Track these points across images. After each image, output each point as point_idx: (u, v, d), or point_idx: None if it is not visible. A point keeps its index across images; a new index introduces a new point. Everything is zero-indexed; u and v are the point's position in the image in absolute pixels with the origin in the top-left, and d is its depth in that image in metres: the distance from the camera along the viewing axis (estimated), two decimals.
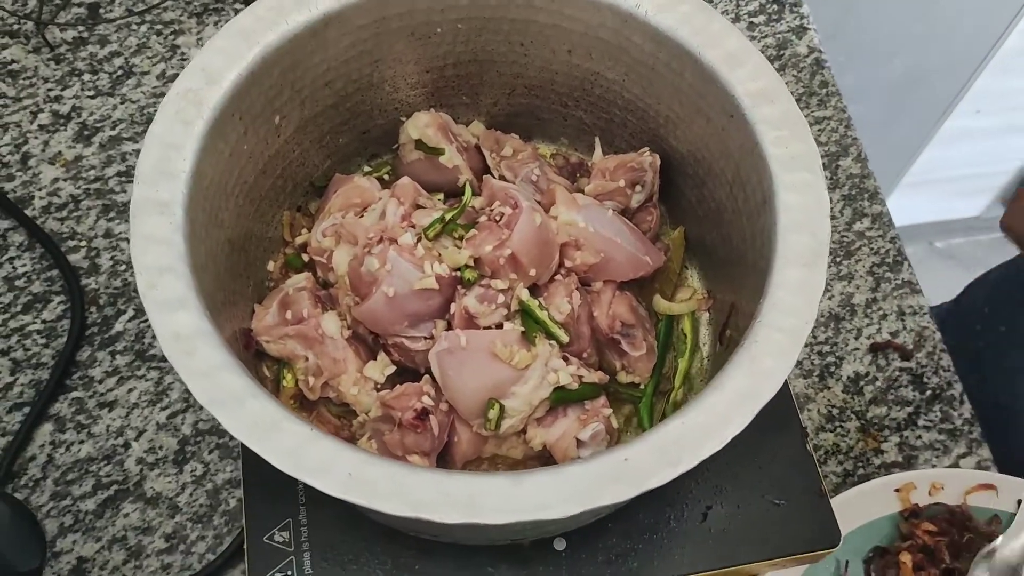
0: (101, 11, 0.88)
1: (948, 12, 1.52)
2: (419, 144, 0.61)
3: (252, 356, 0.58)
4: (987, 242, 2.29)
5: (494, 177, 0.61)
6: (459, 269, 0.54)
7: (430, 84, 0.61)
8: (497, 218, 0.55)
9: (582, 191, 0.61)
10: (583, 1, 0.55)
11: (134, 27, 0.87)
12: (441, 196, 0.62)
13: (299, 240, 0.63)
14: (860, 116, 1.76)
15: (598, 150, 0.61)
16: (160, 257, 0.48)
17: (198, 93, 0.51)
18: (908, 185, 2.03)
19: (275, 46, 0.53)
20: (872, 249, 0.79)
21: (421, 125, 0.61)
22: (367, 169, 0.66)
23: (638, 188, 0.58)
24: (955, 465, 0.70)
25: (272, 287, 0.61)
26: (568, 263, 0.57)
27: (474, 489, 0.43)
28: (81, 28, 0.87)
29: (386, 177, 0.66)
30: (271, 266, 0.63)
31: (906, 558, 0.64)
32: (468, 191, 0.57)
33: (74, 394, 0.70)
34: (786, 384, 0.66)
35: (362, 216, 0.60)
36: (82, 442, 0.68)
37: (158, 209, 0.49)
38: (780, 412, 0.65)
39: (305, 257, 0.62)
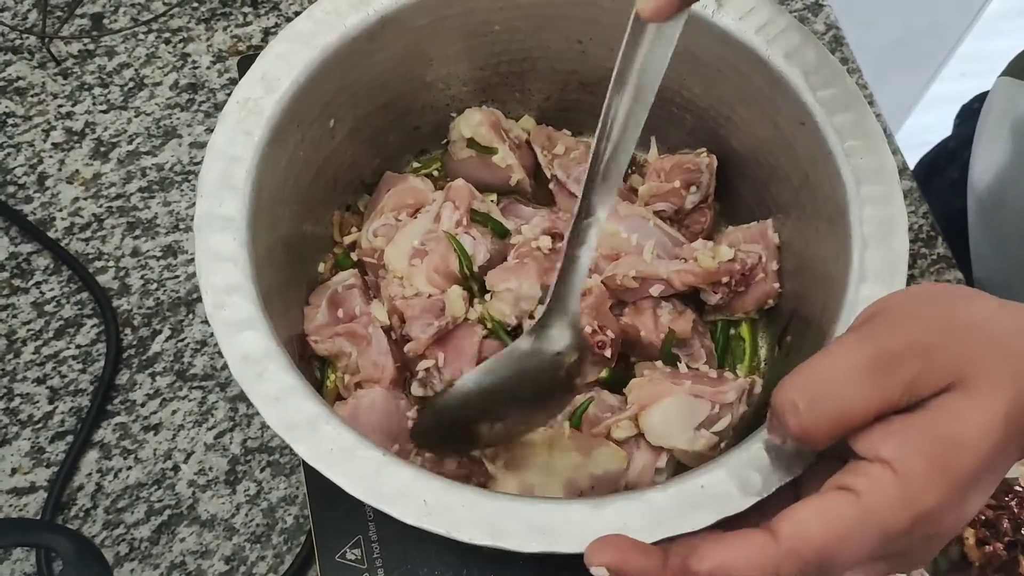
0: (105, 21, 0.86)
1: None
2: (471, 142, 0.60)
3: (306, 362, 0.57)
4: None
5: (547, 176, 0.60)
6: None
7: (482, 80, 0.61)
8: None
9: (635, 190, 0.60)
10: None
11: (141, 37, 0.85)
12: (494, 196, 0.61)
13: (348, 239, 0.62)
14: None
15: (653, 149, 0.60)
16: (227, 276, 0.47)
17: (258, 102, 0.50)
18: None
19: (333, 49, 0.52)
20: (912, 230, 0.79)
21: (474, 123, 0.60)
22: (416, 165, 0.65)
23: (693, 189, 0.58)
24: None
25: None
26: (605, 279, 0.56)
27: (554, 517, 0.42)
28: (86, 40, 0.85)
29: (435, 174, 0.65)
30: (321, 267, 0.62)
31: (969, 534, 0.64)
32: None
33: (117, 419, 0.68)
34: None
35: (415, 216, 0.59)
36: (130, 468, 0.67)
37: (222, 225, 0.48)
38: None
39: (354, 256, 0.61)
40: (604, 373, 0.57)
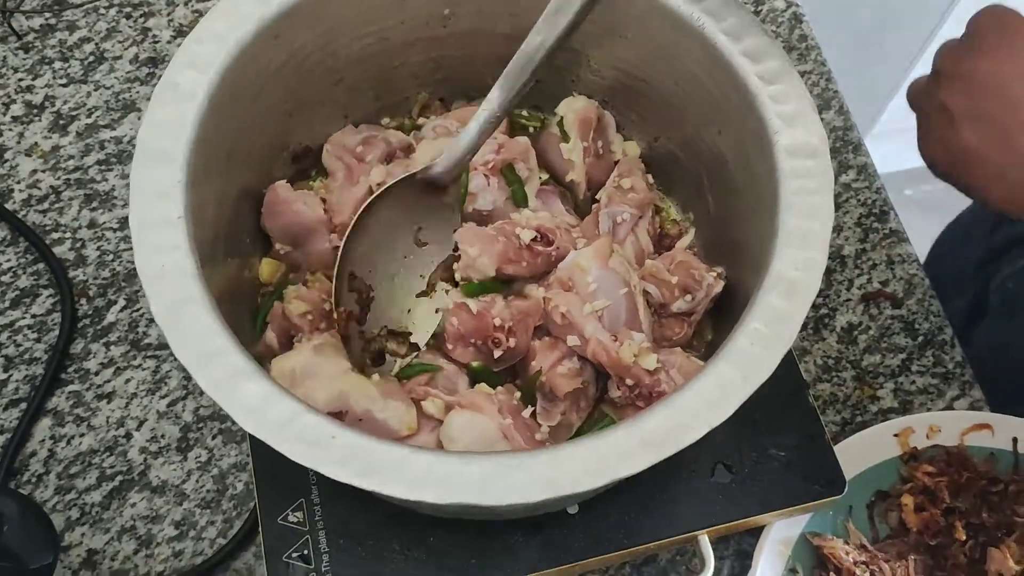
0: None
1: None
2: (559, 122, 0.64)
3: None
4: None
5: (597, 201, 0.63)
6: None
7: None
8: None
9: (660, 241, 0.64)
10: None
11: (102, 11, 0.86)
12: (546, 176, 0.65)
13: None
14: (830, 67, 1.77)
15: (689, 237, 0.62)
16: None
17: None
18: (878, 135, 2.04)
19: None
20: (859, 200, 0.80)
21: (571, 108, 0.63)
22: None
23: (687, 297, 0.58)
24: (949, 407, 0.72)
25: None
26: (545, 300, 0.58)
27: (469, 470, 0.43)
28: (48, 15, 0.85)
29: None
30: None
31: (907, 500, 0.65)
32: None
33: (71, 387, 0.69)
34: None
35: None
36: (83, 435, 0.67)
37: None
38: (781, 366, 0.66)
39: None
40: (476, 364, 0.57)
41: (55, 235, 0.75)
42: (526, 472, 0.42)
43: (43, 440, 0.67)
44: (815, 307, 0.75)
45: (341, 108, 0.66)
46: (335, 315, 0.57)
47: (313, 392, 0.52)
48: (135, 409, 0.68)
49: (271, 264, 0.63)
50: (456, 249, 0.59)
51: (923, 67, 1.81)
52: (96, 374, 0.70)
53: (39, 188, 0.77)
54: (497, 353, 0.57)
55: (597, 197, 0.63)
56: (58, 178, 0.77)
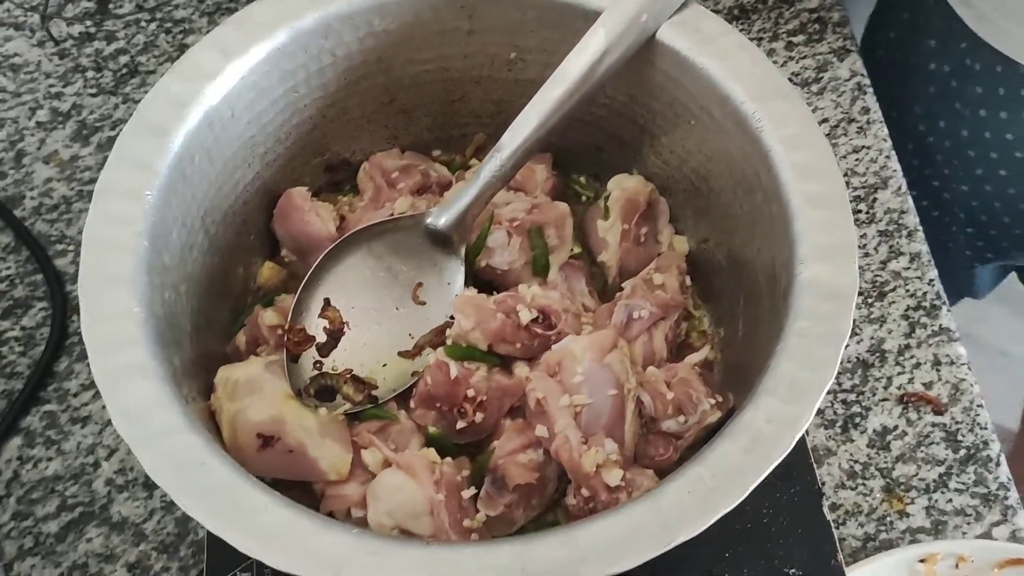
0: (111, 6, 0.85)
1: None
2: (590, 196, 0.63)
3: None
4: None
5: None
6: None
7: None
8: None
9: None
10: None
11: (143, 24, 0.84)
12: (578, 249, 0.61)
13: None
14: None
15: (701, 354, 0.56)
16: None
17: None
18: None
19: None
20: (908, 291, 0.74)
21: (627, 185, 0.59)
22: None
23: (680, 417, 0.52)
24: (987, 534, 0.64)
25: None
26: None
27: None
28: (89, 23, 0.84)
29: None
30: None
31: None
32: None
33: (47, 407, 0.66)
34: (803, 439, 0.61)
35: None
36: (51, 459, 0.64)
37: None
38: (795, 469, 0.60)
39: None
40: (433, 430, 0.53)
41: (59, 246, 0.73)
42: (384, 564, 0.37)
43: (10, 460, 0.64)
44: (846, 404, 0.69)
45: (390, 129, 0.63)
46: (286, 331, 0.53)
47: (249, 409, 0.49)
48: (108, 437, 0.65)
49: (272, 268, 0.60)
50: (452, 316, 0.55)
51: None
52: (75, 395, 0.67)
53: (51, 197, 0.75)
54: (460, 424, 0.52)
55: (623, 286, 0.58)
56: (71, 188, 0.75)
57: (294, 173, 0.59)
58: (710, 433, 0.53)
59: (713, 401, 0.52)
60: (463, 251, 0.56)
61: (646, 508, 0.38)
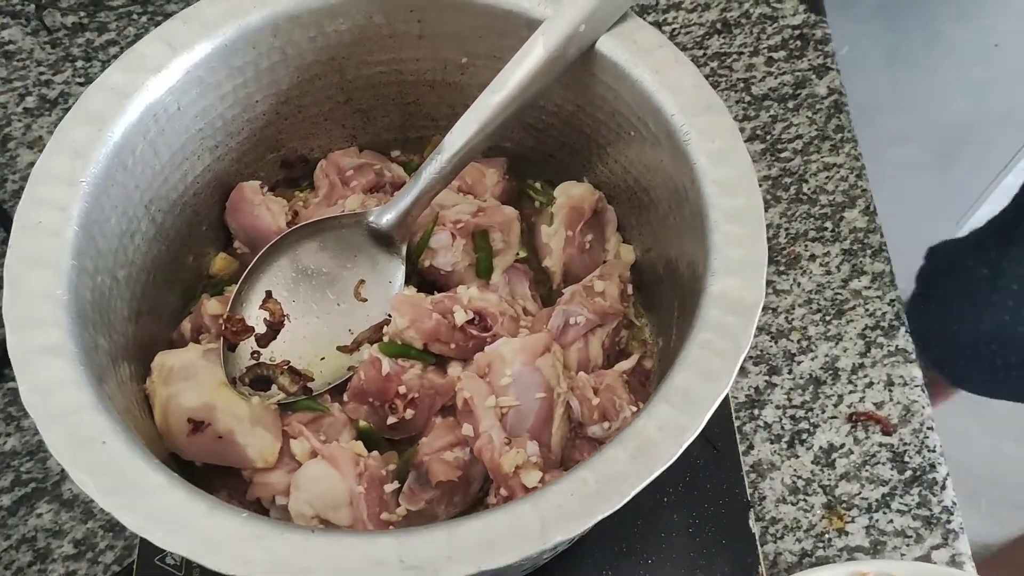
0: None
1: (1010, 63, 1.44)
2: (543, 202, 0.62)
3: None
4: None
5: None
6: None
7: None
8: None
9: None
10: None
11: (135, 17, 0.86)
12: (524, 253, 0.61)
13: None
14: (912, 158, 1.68)
15: (629, 362, 0.57)
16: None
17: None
18: None
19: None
20: (867, 310, 0.74)
21: (572, 192, 0.60)
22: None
23: (604, 424, 0.53)
24: (926, 556, 0.64)
25: None
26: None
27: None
28: (82, 14, 0.86)
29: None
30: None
31: None
32: None
33: (10, 384, 0.68)
34: (736, 449, 0.61)
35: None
36: (10, 435, 0.66)
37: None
38: (726, 481, 0.60)
39: None
40: (363, 424, 0.54)
41: None
42: (266, 547, 0.38)
43: None
44: (794, 420, 0.69)
45: (348, 128, 0.64)
46: (224, 320, 0.54)
47: (182, 394, 0.51)
48: None
49: (225, 259, 0.62)
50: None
51: (1018, 175, 1.72)
52: None
53: None
54: (390, 420, 0.53)
55: (564, 291, 0.59)
56: None
57: (249, 168, 0.61)
58: None
59: (635, 408, 0.52)
60: (404, 250, 0.57)
61: (528, 507, 0.39)
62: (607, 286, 0.58)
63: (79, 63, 0.84)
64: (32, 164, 0.77)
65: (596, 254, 0.61)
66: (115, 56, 0.84)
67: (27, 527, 0.63)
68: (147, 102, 0.50)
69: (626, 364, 0.56)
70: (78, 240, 0.46)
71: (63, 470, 0.65)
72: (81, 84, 0.82)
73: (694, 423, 0.40)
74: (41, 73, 0.83)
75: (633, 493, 0.39)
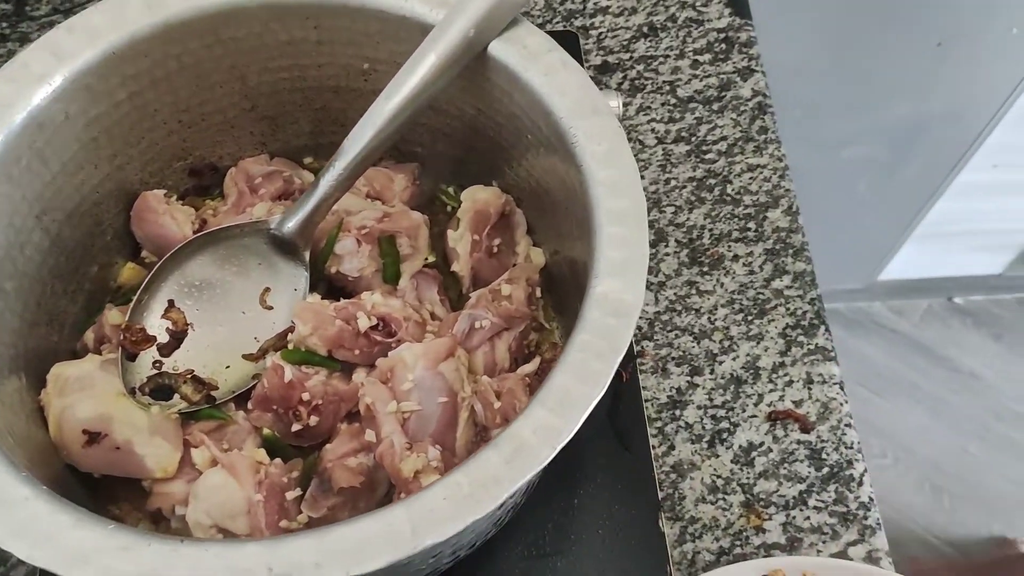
0: (27, 8, 0.87)
1: (952, 61, 1.45)
2: (455, 206, 0.61)
3: None
4: (1009, 302, 2.20)
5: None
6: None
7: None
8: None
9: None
10: None
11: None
12: (431, 259, 0.61)
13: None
14: (863, 159, 1.70)
15: (531, 366, 0.57)
16: None
17: None
18: (924, 236, 1.95)
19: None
20: (788, 309, 0.74)
21: (472, 197, 0.60)
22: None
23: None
24: (843, 552, 0.65)
25: None
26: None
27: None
28: (3, 24, 0.86)
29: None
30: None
31: None
32: None
33: None
34: (648, 448, 0.61)
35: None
36: None
37: None
38: (638, 483, 0.60)
39: None
40: (267, 432, 0.54)
41: None
42: (129, 560, 0.37)
43: None
44: (715, 419, 0.69)
45: (256, 136, 0.64)
46: (123, 330, 0.54)
47: (77, 405, 0.51)
48: None
49: (133, 269, 0.62)
50: None
51: (970, 173, 1.74)
52: None
53: None
54: (295, 427, 0.53)
55: (471, 295, 0.59)
56: None
57: (155, 176, 0.60)
58: None
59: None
60: (307, 257, 0.57)
61: (400, 511, 0.39)
62: (514, 290, 0.58)
63: None
64: None
65: (505, 258, 0.61)
66: None
67: None
68: (30, 112, 0.50)
69: (528, 367, 0.56)
70: None
71: None
72: None
73: (568, 425, 0.40)
74: None
75: (505, 496, 0.39)
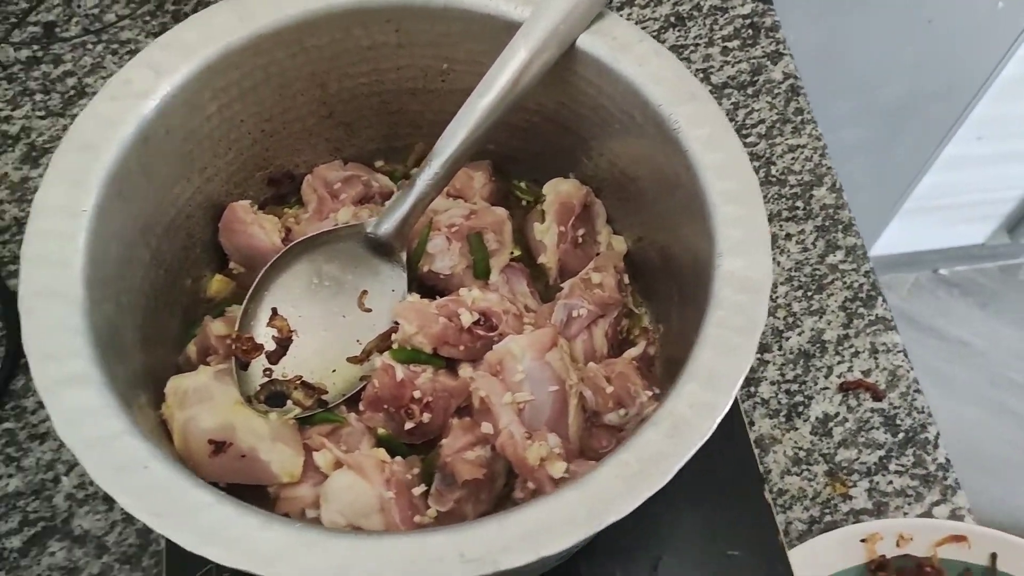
0: (57, 30, 0.86)
1: (943, 37, 1.49)
2: (529, 201, 0.63)
3: None
4: (992, 271, 2.25)
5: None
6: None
7: None
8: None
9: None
10: None
11: (89, 47, 0.85)
12: (517, 252, 0.62)
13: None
14: (858, 141, 1.73)
15: (637, 349, 0.58)
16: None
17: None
18: (910, 211, 2.00)
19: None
20: (845, 283, 0.76)
21: (556, 189, 0.60)
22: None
23: (620, 411, 0.54)
24: (928, 513, 0.67)
25: None
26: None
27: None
28: (36, 47, 0.85)
29: None
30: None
31: None
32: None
33: (5, 425, 0.67)
34: (743, 426, 0.63)
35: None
36: (11, 476, 0.65)
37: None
38: (737, 455, 0.62)
39: None
40: (382, 431, 0.54)
41: (12, 267, 0.74)
42: (321, 555, 0.38)
43: None
44: (789, 394, 0.71)
45: (332, 142, 0.64)
46: (233, 340, 0.54)
47: (199, 416, 0.51)
48: (66, 453, 0.66)
49: (221, 281, 0.62)
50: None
51: (955, 146, 1.78)
52: (32, 413, 0.68)
53: (2, 219, 0.76)
54: (408, 425, 0.53)
55: (563, 285, 0.60)
56: (23, 210, 0.76)
57: (238, 187, 0.61)
58: None
59: (650, 393, 0.54)
60: (404, 258, 0.57)
61: (575, 494, 0.40)
62: (604, 277, 0.59)
63: (38, 96, 0.82)
64: (0, 202, 0.76)
65: (589, 247, 0.62)
66: (74, 87, 0.83)
67: (40, 567, 0.62)
68: (137, 127, 0.50)
69: (634, 351, 0.57)
70: (85, 270, 0.45)
71: (71, 506, 0.64)
72: (42, 117, 0.81)
73: (723, 399, 0.42)
74: None
75: (675, 470, 0.40)
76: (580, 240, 0.62)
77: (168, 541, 0.54)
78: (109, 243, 0.48)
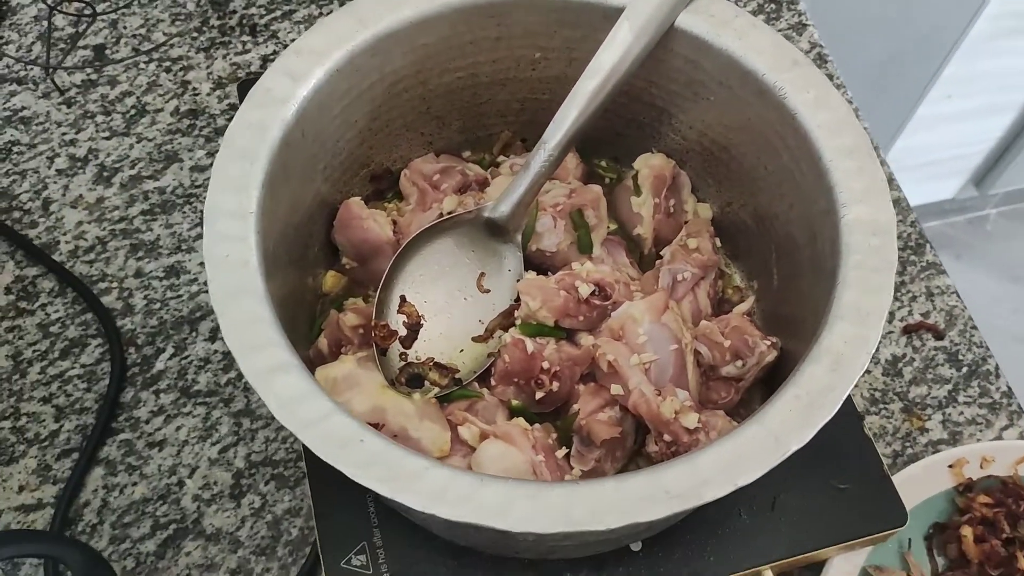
0: (107, 52, 0.88)
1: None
2: (634, 176, 0.65)
3: None
4: (961, 223, 2.34)
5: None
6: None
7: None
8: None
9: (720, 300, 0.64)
10: None
11: (142, 66, 0.87)
12: (614, 227, 0.66)
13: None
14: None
15: (748, 303, 0.62)
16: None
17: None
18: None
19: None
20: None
21: (647, 163, 0.64)
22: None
23: (738, 362, 0.58)
24: (999, 437, 0.72)
25: None
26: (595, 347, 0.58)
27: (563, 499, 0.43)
28: (89, 70, 0.87)
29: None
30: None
31: (967, 531, 0.65)
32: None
33: (122, 436, 0.69)
34: None
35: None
36: (135, 484, 0.67)
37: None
38: None
39: None
40: (515, 402, 0.58)
41: (102, 285, 0.75)
42: (542, 503, 0.42)
43: (96, 490, 0.67)
44: None
45: (426, 136, 0.67)
46: (372, 327, 0.57)
47: (353, 401, 0.54)
48: (187, 456, 0.68)
49: (335, 277, 0.65)
50: (517, 299, 0.59)
51: (927, 106, 1.84)
52: (147, 422, 0.70)
53: (85, 239, 0.77)
54: (539, 395, 0.57)
55: (661, 253, 0.64)
56: (103, 229, 0.78)
57: (345, 186, 0.63)
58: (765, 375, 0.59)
59: (768, 343, 0.58)
60: (519, 238, 0.61)
61: (756, 428, 0.44)
62: (700, 242, 0.63)
63: (99, 118, 0.84)
64: (80, 223, 0.78)
65: (678, 216, 0.66)
66: (133, 107, 0.84)
67: (179, 567, 0.64)
68: (282, 133, 0.53)
69: (744, 306, 0.61)
70: (261, 268, 0.48)
71: (198, 507, 0.66)
72: (107, 138, 0.83)
73: (872, 333, 0.46)
74: (64, 133, 0.83)
75: (842, 399, 0.44)
76: (671, 210, 0.66)
77: (320, 527, 0.57)
78: (267, 243, 0.51)
